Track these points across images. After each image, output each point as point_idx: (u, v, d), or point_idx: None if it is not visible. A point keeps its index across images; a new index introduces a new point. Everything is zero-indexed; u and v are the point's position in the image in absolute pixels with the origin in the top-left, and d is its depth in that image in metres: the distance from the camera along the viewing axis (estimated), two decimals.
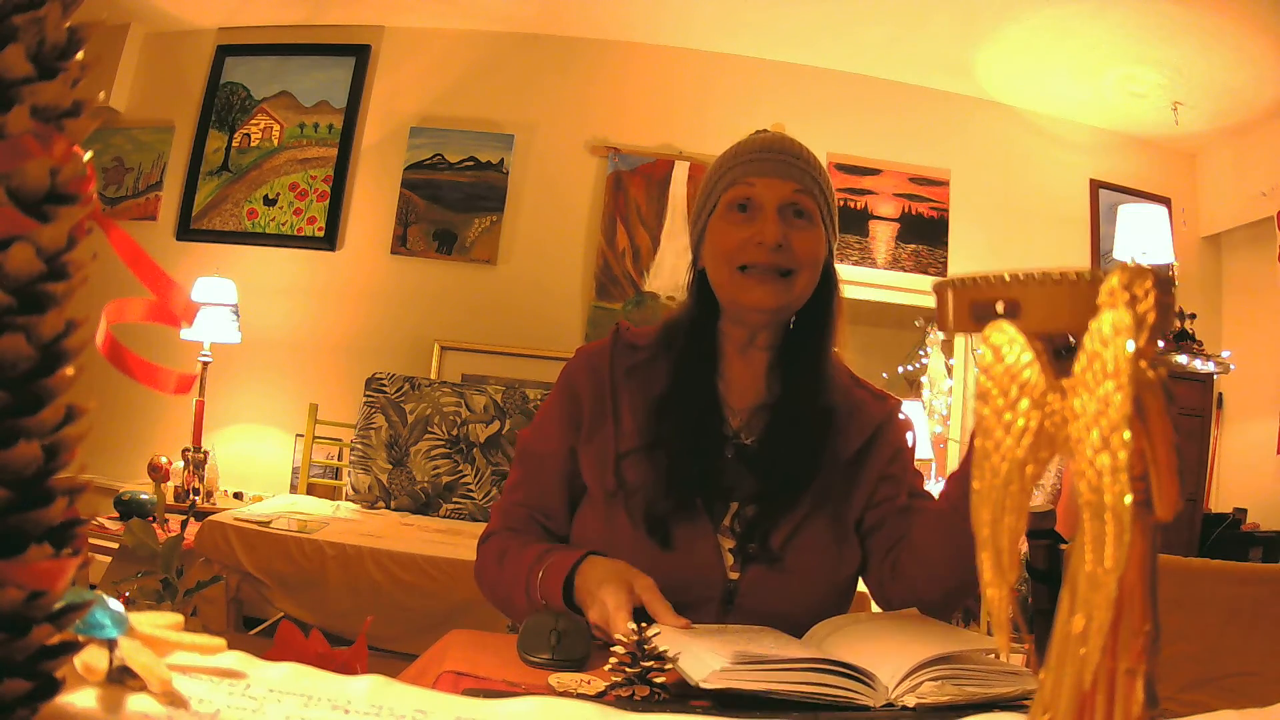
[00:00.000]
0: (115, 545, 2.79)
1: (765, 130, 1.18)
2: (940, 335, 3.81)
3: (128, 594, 0.75)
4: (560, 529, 1.15)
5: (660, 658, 0.76)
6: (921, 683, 0.79)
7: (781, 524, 1.08)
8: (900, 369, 4.13)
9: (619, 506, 1.09)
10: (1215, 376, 3.63)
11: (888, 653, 0.83)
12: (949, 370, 3.91)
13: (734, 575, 1.07)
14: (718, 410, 1.14)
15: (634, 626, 0.77)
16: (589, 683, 0.78)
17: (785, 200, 1.09)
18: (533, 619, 0.88)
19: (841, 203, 3.95)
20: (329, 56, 4.01)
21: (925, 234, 4.00)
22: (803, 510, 1.09)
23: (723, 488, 1.10)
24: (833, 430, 1.12)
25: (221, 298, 3.41)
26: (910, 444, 1.19)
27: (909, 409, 1.25)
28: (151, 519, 2.91)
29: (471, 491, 3.33)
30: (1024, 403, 0.34)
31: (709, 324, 1.16)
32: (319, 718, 0.48)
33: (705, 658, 0.77)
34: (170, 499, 3.24)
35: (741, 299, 1.10)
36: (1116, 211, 3.81)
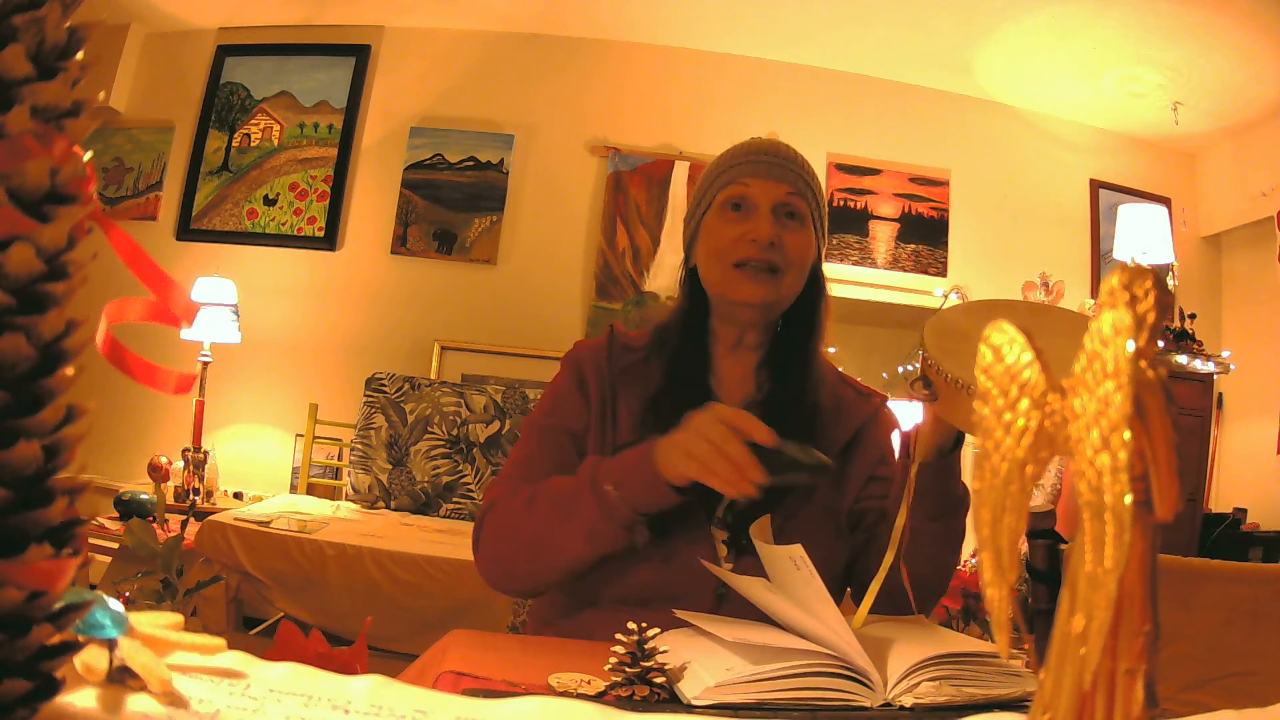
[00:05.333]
0: (115, 545, 2.79)
1: (760, 138, 1.22)
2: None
3: (128, 594, 0.75)
4: None
5: (661, 670, 0.76)
6: (919, 683, 0.79)
7: (774, 515, 1.08)
8: (900, 369, 4.13)
9: None
10: (1215, 376, 3.63)
11: (885, 653, 0.83)
12: None
13: (727, 567, 1.07)
14: None
15: (634, 626, 0.77)
16: (589, 682, 0.78)
17: (778, 201, 1.13)
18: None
19: (841, 203, 3.95)
20: (329, 56, 4.01)
21: (925, 234, 4.00)
22: (794, 503, 1.11)
23: None
24: (820, 427, 1.15)
25: (221, 298, 3.42)
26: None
27: (908, 408, 1.25)
28: (151, 519, 2.91)
29: (471, 491, 3.33)
30: (1024, 403, 0.34)
31: (701, 322, 1.19)
32: (319, 718, 0.48)
33: (700, 673, 0.77)
34: (170, 499, 3.25)
35: (731, 294, 1.13)
36: (1116, 211, 3.81)
